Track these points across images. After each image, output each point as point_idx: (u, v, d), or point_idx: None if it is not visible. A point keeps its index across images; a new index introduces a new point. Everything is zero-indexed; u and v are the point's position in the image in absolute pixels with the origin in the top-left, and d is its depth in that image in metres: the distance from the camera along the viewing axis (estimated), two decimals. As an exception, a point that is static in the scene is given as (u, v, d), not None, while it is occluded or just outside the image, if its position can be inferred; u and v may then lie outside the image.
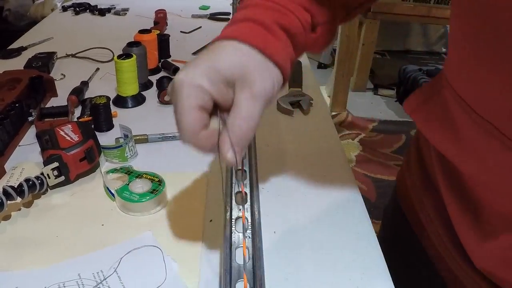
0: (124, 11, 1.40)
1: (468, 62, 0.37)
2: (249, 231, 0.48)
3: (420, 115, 0.48)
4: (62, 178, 0.58)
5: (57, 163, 0.57)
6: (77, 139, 0.60)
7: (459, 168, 0.42)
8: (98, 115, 0.73)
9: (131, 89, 0.82)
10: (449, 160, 0.43)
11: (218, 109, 0.39)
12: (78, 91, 0.82)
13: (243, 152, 0.38)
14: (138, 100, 0.83)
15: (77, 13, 1.38)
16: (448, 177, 0.46)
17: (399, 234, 0.61)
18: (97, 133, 0.66)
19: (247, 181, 0.56)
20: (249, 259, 0.44)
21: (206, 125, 0.38)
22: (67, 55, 1.04)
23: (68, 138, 0.60)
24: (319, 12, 0.44)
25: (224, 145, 0.37)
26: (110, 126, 0.74)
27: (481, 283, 0.43)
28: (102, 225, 0.54)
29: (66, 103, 0.77)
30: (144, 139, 0.70)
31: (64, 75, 0.94)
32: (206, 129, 0.38)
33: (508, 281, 0.40)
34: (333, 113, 2.47)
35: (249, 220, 0.49)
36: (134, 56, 0.80)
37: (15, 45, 1.10)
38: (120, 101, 0.82)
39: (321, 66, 3.19)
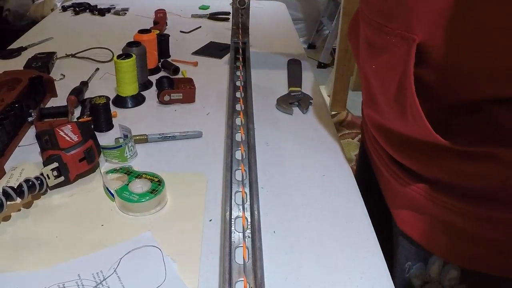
0: (124, 11, 1.40)
1: None
2: (248, 231, 0.48)
3: (352, 38, 0.64)
4: (62, 178, 0.58)
5: (57, 163, 0.57)
6: (77, 139, 0.60)
7: (364, 69, 0.57)
8: (98, 115, 0.73)
9: (130, 89, 0.82)
10: (361, 62, 0.58)
11: None
12: (78, 91, 0.82)
13: None
14: (138, 100, 0.83)
15: (76, 13, 1.38)
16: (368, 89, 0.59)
17: (362, 166, 0.74)
18: (96, 133, 0.66)
19: (246, 181, 0.56)
20: (248, 259, 0.44)
21: None
22: (67, 55, 1.04)
23: (68, 139, 0.60)
24: None
25: None
26: (109, 126, 0.74)
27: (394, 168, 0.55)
28: (102, 225, 0.54)
29: (65, 103, 0.77)
30: (143, 139, 0.70)
31: (64, 75, 0.94)
32: None
33: (378, 122, 0.55)
34: (333, 113, 2.47)
35: (249, 220, 0.49)
36: (134, 56, 0.80)
37: (14, 45, 1.10)
38: (120, 101, 0.82)
39: (320, 65, 3.19)
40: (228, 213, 0.50)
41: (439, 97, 0.46)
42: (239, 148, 0.62)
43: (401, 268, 0.57)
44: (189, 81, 0.87)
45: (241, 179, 0.56)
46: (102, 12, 1.37)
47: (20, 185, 0.54)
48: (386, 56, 0.48)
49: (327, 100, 2.55)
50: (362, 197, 0.61)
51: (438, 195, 0.48)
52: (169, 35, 1.07)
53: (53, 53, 1.01)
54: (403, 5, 0.44)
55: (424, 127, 0.43)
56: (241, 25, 1.05)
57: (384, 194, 0.60)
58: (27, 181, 0.54)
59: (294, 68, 0.98)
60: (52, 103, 0.82)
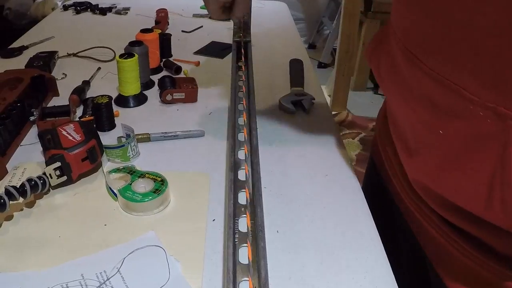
0: (125, 10, 1.40)
1: (405, 8, 0.42)
2: (252, 231, 0.48)
3: (374, 61, 0.54)
4: (64, 178, 0.58)
5: (59, 163, 0.57)
6: (79, 138, 0.60)
7: (390, 102, 0.50)
8: (100, 115, 0.73)
9: (133, 88, 0.82)
10: (386, 93, 0.52)
11: None
12: (80, 91, 0.82)
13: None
14: (140, 99, 0.83)
15: (78, 12, 1.37)
16: (389, 114, 0.54)
17: (372, 182, 0.69)
18: (99, 132, 0.66)
19: (249, 181, 0.55)
20: (252, 259, 0.44)
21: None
22: (69, 55, 1.04)
23: (70, 138, 0.60)
24: None
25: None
26: (112, 126, 0.74)
27: (420, 204, 0.50)
28: (105, 225, 0.54)
29: (67, 103, 0.77)
30: (146, 138, 0.70)
31: (66, 75, 0.94)
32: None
33: (428, 187, 0.46)
34: (334, 113, 2.47)
35: (252, 220, 0.49)
36: (136, 56, 0.80)
37: (16, 44, 1.10)
38: (122, 101, 0.82)
39: (321, 65, 3.19)
40: (231, 213, 0.50)
41: None
42: (242, 148, 0.62)
43: None
44: (191, 81, 0.87)
45: (244, 179, 0.56)
46: (103, 11, 1.37)
47: (22, 185, 0.53)
48: (462, 125, 0.36)
49: (328, 100, 2.55)
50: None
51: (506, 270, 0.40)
52: (171, 35, 1.06)
53: (55, 52, 1.01)
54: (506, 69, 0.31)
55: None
56: (242, 25, 1.05)
57: (429, 257, 0.51)
58: (29, 180, 0.54)
59: (296, 68, 0.98)
60: (54, 102, 0.82)
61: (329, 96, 2.60)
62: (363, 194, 0.61)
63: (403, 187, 0.54)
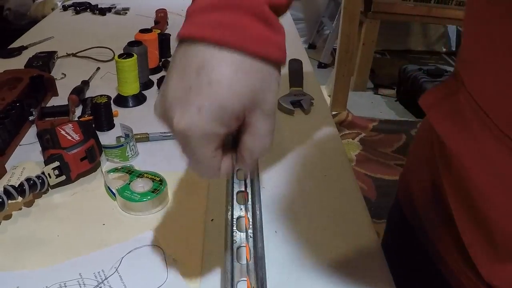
0: (125, 10, 1.40)
1: (483, 64, 0.36)
2: (250, 231, 0.48)
3: (435, 113, 0.45)
4: (63, 177, 0.58)
5: (58, 162, 0.57)
6: (78, 138, 0.60)
7: (471, 178, 0.39)
8: (99, 115, 0.73)
9: (132, 88, 0.82)
10: (461, 167, 0.41)
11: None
12: (79, 91, 0.82)
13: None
14: (139, 99, 0.83)
15: (77, 12, 1.38)
16: (459, 193, 0.43)
17: (405, 242, 0.59)
18: (98, 132, 0.66)
19: (248, 181, 0.55)
20: (250, 259, 0.44)
21: (220, 160, 0.36)
22: (68, 55, 1.04)
23: (69, 138, 0.60)
24: None
25: (244, 159, 0.36)
26: (111, 126, 0.74)
27: None
28: (103, 224, 0.54)
29: (67, 103, 0.77)
30: (145, 138, 0.70)
31: (65, 75, 0.94)
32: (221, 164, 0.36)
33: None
34: (333, 113, 2.47)
35: (251, 220, 0.49)
36: (135, 56, 0.80)
37: (15, 44, 1.10)
38: (121, 101, 0.82)
39: (321, 65, 3.19)
40: (229, 213, 0.50)
41: None
42: (241, 148, 0.62)
43: None
44: (190, 81, 0.87)
45: (242, 179, 0.56)
46: (102, 11, 1.37)
47: (21, 184, 0.53)
48: None
49: (328, 100, 2.55)
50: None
51: None
52: (170, 35, 1.06)
53: (54, 52, 1.01)
54: None
55: None
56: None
57: None
58: (28, 180, 0.54)
59: (295, 68, 0.98)
60: (53, 102, 0.82)
61: (329, 96, 2.60)
62: (361, 194, 0.61)
63: (456, 262, 0.46)
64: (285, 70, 0.99)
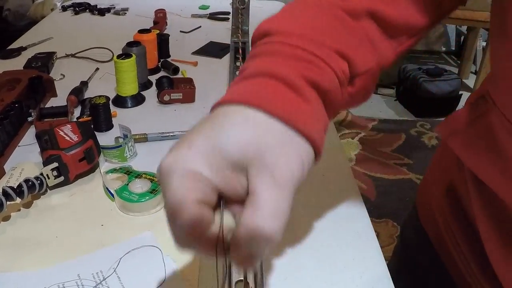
0: (124, 10, 1.40)
1: None
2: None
3: (459, 140, 0.43)
4: (62, 178, 0.58)
5: (57, 163, 0.57)
6: (77, 139, 0.60)
7: (504, 200, 0.37)
8: (98, 115, 0.73)
9: (130, 89, 0.82)
10: (493, 190, 0.38)
11: (221, 200, 0.28)
12: (78, 91, 0.82)
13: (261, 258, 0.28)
14: (138, 100, 0.83)
15: (76, 13, 1.38)
16: (488, 210, 0.41)
17: (422, 256, 0.58)
18: (96, 133, 0.66)
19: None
20: (248, 259, 0.44)
21: (209, 224, 0.27)
22: (67, 55, 1.04)
23: (68, 138, 0.60)
24: (360, 58, 0.33)
25: (236, 252, 0.27)
26: (109, 126, 0.74)
27: None
28: (102, 225, 0.54)
29: (65, 103, 0.77)
30: (143, 138, 0.70)
31: (64, 75, 0.94)
32: (209, 229, 0.28)
33: None
34: (333, 113, 2.47)
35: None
36: (134, 56, 0.80)
37: (14, 45, 1.10)
38: (120, 101, 0.82)
39: (321, 65, 3.19)
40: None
41: None
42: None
43: None
44: (189, 81, 0.87)
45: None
46: (102, 12, 1.37)
47: (20, 185, 0.54)
48: None
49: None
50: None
51: None
52: (169, 35, 1.07)
53: (53, 53, 1.01)
54: None
55: None
56: (240, 25, 1.05)
57: None
58: (27, 181, 0.54)
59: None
60: (52, 103, 0.82)
61: (329, 96, 2.59)
62: (360, 194, 0.61)
63: (474, 276, 0.46)
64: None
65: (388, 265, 0.50)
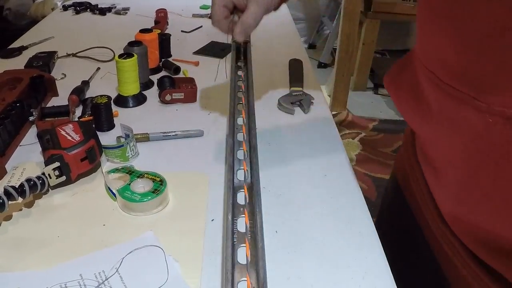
0: (125, 10, 1.40)
1: (432, 34, 0.41)
2: (250, 231, 0.48)
3: (393, 85, 0.54)
4: (63, 178, 0.58)
5: (58, 163, 0.57)
6: (78, 138, 0.60)
7: (424, 142, 0.49)
8: (99, 115, 0.73)
9: (132, 88, 0.82)
10: (412, 125, 0.51)
11: (235, 10, 0.62)
12: (79, 91, 0.82)
13: (247, 36, 0.63)
14: (139, 99, 0.83)
15: (77, 12, 1.38)
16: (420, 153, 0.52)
17: (394, 202, 0.67)
18: (98, 132, 0.66)
19: (248, 180, 0.55)
20: (251, 259, 0.44)
21: (227, 16, 0.61)
22: (68, 55, 1.04)
23: (69, 138, 0.60)
24: None
25: (237, 29, 0.59)
26: (111, 126, 0.74)
27: (462, 253, 0.45)
28: (104, 225, 0.54)
29: (67, 103, 0.77)
30: (145, 138, 0.70)
31: (65, 75, 0.94)
32: (227, 19, 0.61)
33: (457, 217, 0.44)
34: (333, 113, 2.47)
35: (251, 220, 0.49)
36: (135, 56, 0.80)
37: (15, 44, 1.10)
38: (121, 101, 0.82)
39: (321, 65, 3.19)
40: (230, 213, 0.50)
41: None
42: (241, 148, 0.62)
43: None
44: (191, 81, 0.87)
45: (243, 179, 0.56)
46: (103, 11, 1.37)
47: (21, 185, 0.53)
48: (477, 137, 0.37)
49: (328, 100, 2.55)
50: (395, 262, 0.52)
51: None
52: (170, 35, 1.06)
53: (54, 52, 1.01)
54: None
55: None
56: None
57: (451, 283, 0.50)
58: (28, 180, 0.54)
59: (295, 68, 0.98)
60: (53, 102, 0.82)
61: (329, 96, 2.60)
62: (362, 194, 0.61)
63: (431, 214, 0.51)
64: (285, 70, 0.99)
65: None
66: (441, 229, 0.49)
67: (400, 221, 0.63)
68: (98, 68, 0.97)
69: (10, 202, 0.52)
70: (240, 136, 0.65)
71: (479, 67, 0.34)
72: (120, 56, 0.79)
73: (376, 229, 0.54)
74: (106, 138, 0.70)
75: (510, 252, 0.39)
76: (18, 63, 0.97)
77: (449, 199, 0.45)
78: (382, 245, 0.52)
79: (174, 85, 0.85)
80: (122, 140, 0.68)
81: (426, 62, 0.43)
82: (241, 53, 0.95)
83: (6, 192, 0.52)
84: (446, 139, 0.41)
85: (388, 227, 0.64)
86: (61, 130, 0.62)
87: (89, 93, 0.85)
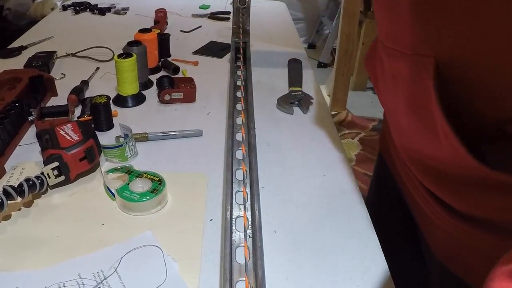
0: (124, 10, 1.40)
1: (378, 13, 0.51)
2: (249, 231, 0.48)
3: (369, 67, 0.61)
4: (62, 177, 0.58)
5: (57, 162, 0.57)
6: (77, 138, 0.60)
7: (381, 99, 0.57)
8: (98, 115, 0.73)
9: (131, 88, 0.82)
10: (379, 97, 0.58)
11: None
12: (78, 91, 0.82)
13: None
14: (138, 99, 0.83)
15: (77, 12, 1.38)
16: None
17: (378, 175, 0.73)
18: (97, 132, 0.66)
19: (247, 180, 0.56)
20: (249, 259, 0.44)
21: None
22: (67, 54, 1.04)
23: (68, 138, 0.60)
24: None
25: None
26: (110, 126, 0.74)
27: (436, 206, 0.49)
28: (102, 224, 0.54)
29: (66, 103, 0.77)
30: (144, 138, 0.70)
31: (64, 75, 0.94)
32: None
33: (407, 148, 0.51)
34: (333, 112, 2.47)
35: (250, 220, 0.49)
36: (134, 56, 0.80)
37: (15, 44, 1.10)
38: (120, 101, 0.82)
39: (321, 65, 3.19)
40: (228, 213, 0.50)
41: (466, 118, 0.41)
42: (240, 148, 0.62)
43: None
44: (190, 81, 0.87)
45: (242, 179, 0.56)
46: (102, 11, 1.37)
47: (20, 184, 0.53)
48: (406, 81, 0.45)
49: (327, 100, 2.55)
50: (378, 218, 0.59)
51: (482, 233, 0.43)
52: (169, 35, 1.06)
53: (54, 52, 1.01)
54: (413, 24, 0.41)
55: (457, 147, 0.39)
56: (241, 25, 1.05)
57: (419, 225, 0.55)
58: (27, 180, 0.54)
59: (294, 68, 0.98)
60: (52, 102, 0.82)
61: (329, 96, 2.60)
62: (360, 194, 0.61)
63: (398, 159, 0.58)
64: (284, 70, 0.99)
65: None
66: (405, 170, 0.55)
67: (381, 181, 0.70)
68: (98, 68, 0.97)
69: (9, 201, 0.52)
70: (239, 136, 0.65)
71: (402, 30, 0.44)
72: (119, 56, 0.79)
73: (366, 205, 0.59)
74: (105, 138, 0.70)
75: (436, 171, 0.46)
76: (17, 63, 0.97)
77: (398, 134, 0.54)
78: (368, 209, 0.58)
79: (173, 85, 0.85)
80: (121, 140, 0.68)
81: (380, 35, 0.52)
82: (240, 53, 0.96)
83: (5, 191, 0.52)
84: (392, 90, 0.50)
85: (374, 193, 0.72)
86: (60, 130, 0.62)
87: (88, 93, 0.85)
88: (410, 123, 0.47)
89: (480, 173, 0.38)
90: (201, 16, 1.38)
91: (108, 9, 1.39)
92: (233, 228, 0.48)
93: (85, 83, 0.87)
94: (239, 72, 0.87)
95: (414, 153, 0.50)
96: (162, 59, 1.00)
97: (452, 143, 0.39)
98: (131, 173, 0.60)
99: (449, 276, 0.50)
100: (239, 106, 0.74)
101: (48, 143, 0.60)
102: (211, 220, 0.55)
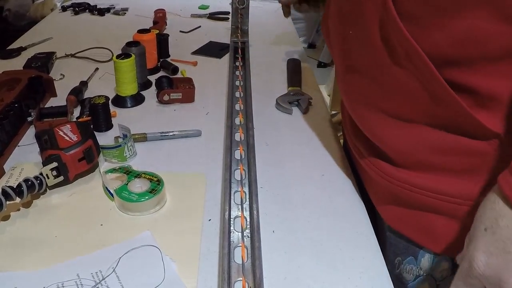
0: (124, 10, 1.40)
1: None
2: (247, 231, 0.48)
3: (325, 34, 0.65)
4: (61, 178, 0.58)
5: (56, 163, 0.57)
6: (76, 139, 0.60)
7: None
8: (97, 115, 0.73)
9: (130, 88, 0.82)
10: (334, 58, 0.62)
11: None
12: (77, 91, 0.82)
13: None
14: (137, 99, 0.83)
15: (76, 13, 1.38)
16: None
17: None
18: (96, 133, 0.66)
19: (246, 181, 0.56)
20: (248, 259, 0.44)
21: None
22: (66, 55, 1.04)
23: (67, 138, 0.60)
24: None
25: None
26: (109, 126, 0.74)
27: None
28: (101, 225, 0.54)
29: (65, 103, 0.77)
30: (143, 138, 0.70)
31: (63, 75, 0.94)
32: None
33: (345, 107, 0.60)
34: (333, 112, 2.47)
35: (248, 220, 0.49)
36: (133, 56, 0.80)
37: (14, 45, 1.10)
38: (119, 101, 0.82)
39: (321, 65, 3.19)
40: (227, 213, 0.50)
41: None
42: (238, 148, 0.62)
43: (391, 264, 0.57)
44: (189, 81, 0.87)
45: (240, 179, 0.56)
46: (101, 12, 1.37)
47: (19, 185, 0.54)
48: (360, 15, 0.48)
49: (327, 99, 2.55)
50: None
51: (419, 186, 0.49)
52: (168, 35, 1.07)
53: (53, 53, 1.01)
54: None
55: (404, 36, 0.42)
56: (240, 25, 1.05)
57: (368, 191, 0.60)
58: (26, 180, 0.54)
59: (293, 68, 0.98)
60: (51, 103, 0.83)
61: (329, 95, 2.59)
62: (359, 194, 0.61)
63: (348, 132, 0.64)
64: (283, 70, 0.99)
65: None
66: (353, 141, 0.61)
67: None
68: (97, 69, 0.97)
69: (8, 202, 0.52)
70: (237, 136, 0.65)
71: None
72: (118, 56, 0.79)
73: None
74: (104, 138, 0.70)
75: (359, 132, 0.55)
76: (16, 63, 0.97)
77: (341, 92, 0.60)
78: None
79: (172, 85, 0.85)
80: (120, 140, 0.68)
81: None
82: (239, 53, 0.96)
83: (4, 192, 0.52)
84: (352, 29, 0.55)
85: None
86: (59, 131, 0.62)
87: (87, 94, 0.86)
88: (360, 57, 0.51)
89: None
90: (200, 16, 1.38)
91: (108, 10, 1.39)
92: (232, 228, 0.48)
93: (84, 84, 0.87)
94: (238, 72, 0.87)
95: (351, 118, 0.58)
96: (161, 60, 1.00)
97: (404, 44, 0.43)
98: (129, 173, 0.60)
99: (399, 239, 0.55)
100: (237, 106, 0.74)
101: (47, 143, 0.60)
102: (209, 220, 0.55)
